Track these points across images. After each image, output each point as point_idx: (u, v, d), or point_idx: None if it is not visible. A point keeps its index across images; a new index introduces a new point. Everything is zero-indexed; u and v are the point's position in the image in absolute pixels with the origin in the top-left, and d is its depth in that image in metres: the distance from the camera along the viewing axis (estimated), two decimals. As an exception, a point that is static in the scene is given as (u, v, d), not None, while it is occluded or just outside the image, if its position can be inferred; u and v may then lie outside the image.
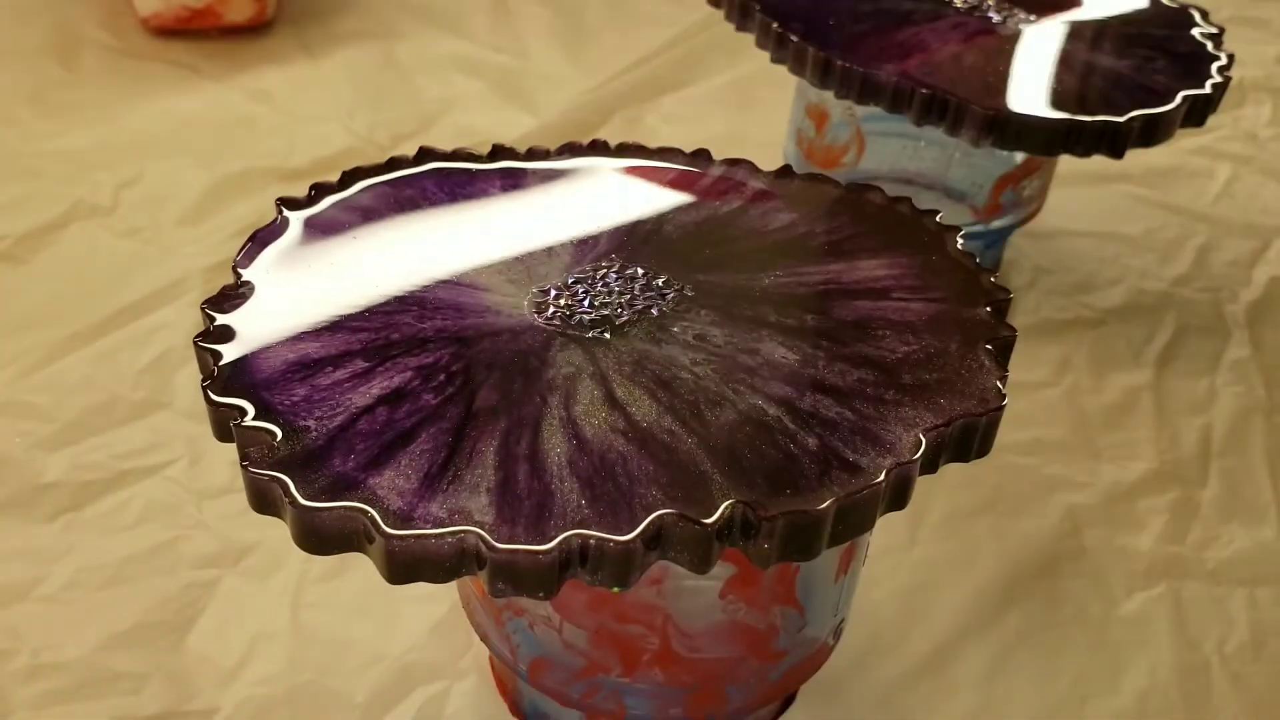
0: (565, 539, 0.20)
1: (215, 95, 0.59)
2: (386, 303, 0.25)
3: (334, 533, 0.20)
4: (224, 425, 0.22)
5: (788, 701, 0.32)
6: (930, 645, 0.34)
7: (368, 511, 0.20)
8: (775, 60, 0.41)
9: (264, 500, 0.21)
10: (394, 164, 0.30)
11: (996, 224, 0.46)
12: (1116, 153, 0.38)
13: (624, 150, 0.31)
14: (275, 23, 0.65)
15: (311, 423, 0.22)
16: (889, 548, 0.37)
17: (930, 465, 0.22)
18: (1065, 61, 0.41)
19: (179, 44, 0.62)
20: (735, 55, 0.64)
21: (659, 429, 0.22)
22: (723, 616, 0.26)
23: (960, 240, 0.28)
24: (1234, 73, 0.42)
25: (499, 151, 0.31)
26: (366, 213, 0.28)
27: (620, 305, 0.26)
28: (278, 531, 0.23)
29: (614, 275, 0.27)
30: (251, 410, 0.22)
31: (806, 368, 0.24)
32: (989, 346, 0.25)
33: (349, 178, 0.29)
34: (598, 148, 0.31)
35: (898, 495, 0.22)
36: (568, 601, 0.26)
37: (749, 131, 0.58)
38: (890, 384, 0.24)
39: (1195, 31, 0.44)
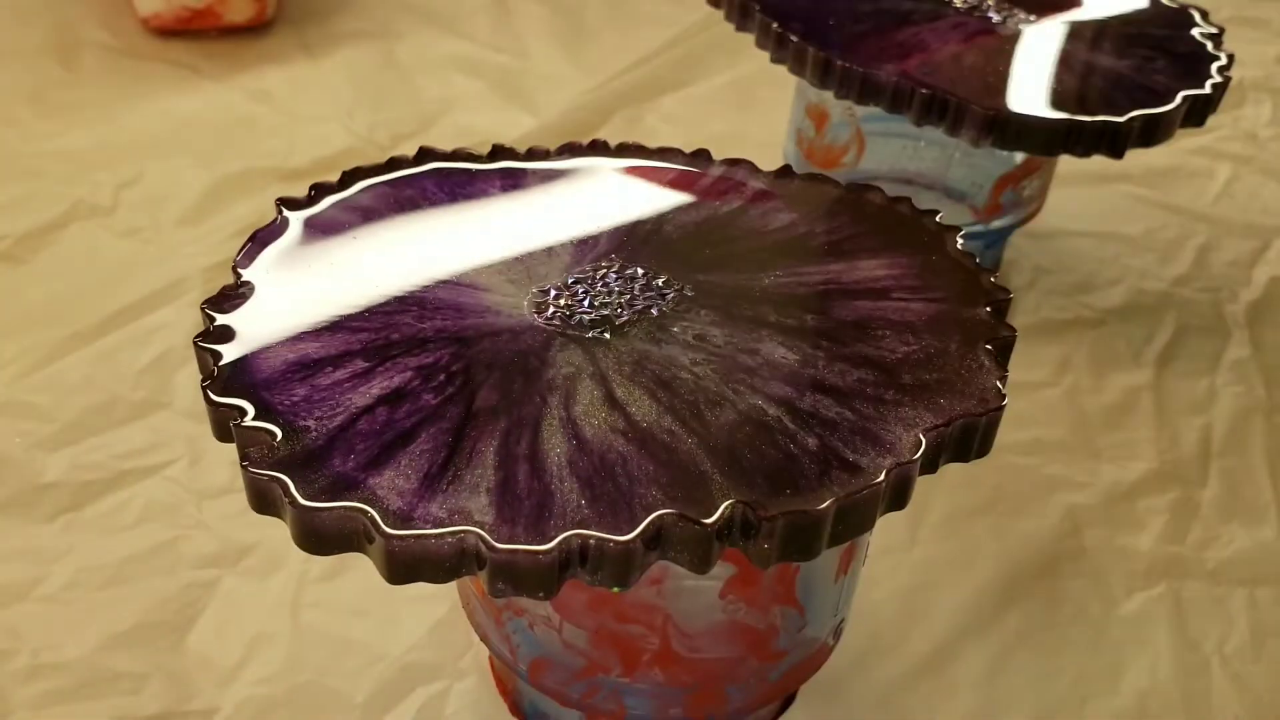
0: (565, 539, 0.20)
1: (215, 95, 0.59)
2: (386, 303, 0.25)
3: (334, 533, 0.20)
4: (224, 425, 0.22)
5: (788, 701, 0.32)
6: (930, 645, 0.34)
7: (368, 511, 0.20)
8: (775, 60, 0.41)
9: (264, 500, 0.21)
10: (394, 164, 0.30)
11: (996, 224, 0.46)
12: (1116, 153, 0.38)
13: (624, 150, 0.31)
14: (275, 23, 0.65)
15: (311, 423, 0.22)
16: (889, 548, 0.37)
17: (930, 465, 0.22)
18: (1065, 61, 0.41)
19: (179, 44, 0.62)
20: (735, 55, 0.64)
21: (659, 429, 0.22)
22: (723, 616, 0.26)
23: (960, 240, 0.28)
24: (1234, 73, 0.42)
25: (499, 151, 0.31)
26: (366, 213, 0.28)
27: (620, 305, 0.26)
28: (278, 531, 0.23)
29: (614, 275, 0.27)
30: (251, 410, 0.22)
31: (806, 368, 0.24)
32: (989, 346, 0.25)
33: (349, 178, 0.29)
34: (598, 148, 0.31)
35: (898, 495, 0.22)
36: (568, 601, 0.26)
37: (749, 131, 0.58)
38: (890, 384, 0.24)
39: (1195, 31, 0.44)
